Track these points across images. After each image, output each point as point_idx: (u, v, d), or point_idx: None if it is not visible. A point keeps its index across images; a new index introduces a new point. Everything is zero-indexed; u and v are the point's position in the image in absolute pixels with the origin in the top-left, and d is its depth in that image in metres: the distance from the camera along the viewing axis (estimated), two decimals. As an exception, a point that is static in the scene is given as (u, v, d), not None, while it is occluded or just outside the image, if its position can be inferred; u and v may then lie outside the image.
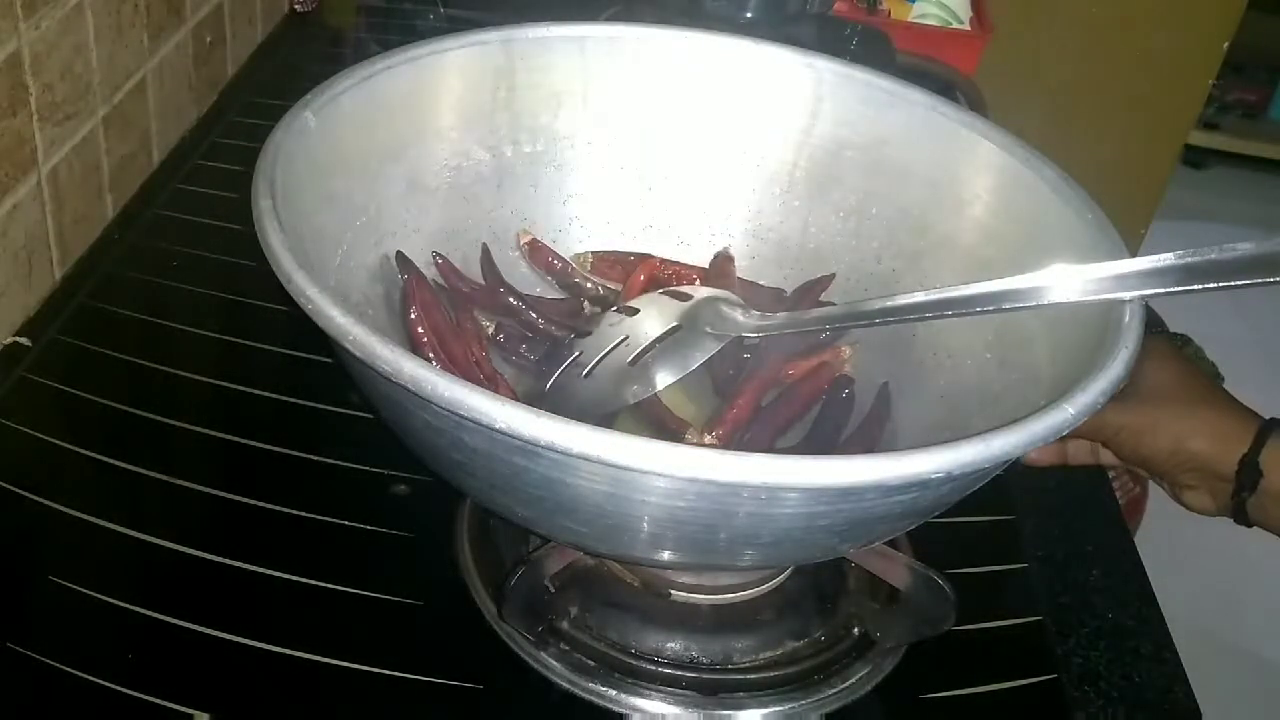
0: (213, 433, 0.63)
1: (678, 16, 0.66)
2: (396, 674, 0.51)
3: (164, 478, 0.59)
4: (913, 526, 0.48)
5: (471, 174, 0.61)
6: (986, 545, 0.62)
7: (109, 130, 0.75)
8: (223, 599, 0.54)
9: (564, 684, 0.51)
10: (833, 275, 0.62)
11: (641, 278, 0.61)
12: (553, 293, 0.64)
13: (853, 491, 0.39)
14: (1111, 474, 0.69)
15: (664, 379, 0.51)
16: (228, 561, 0.55)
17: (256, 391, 0.66)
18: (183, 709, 0.48)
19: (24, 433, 0.61)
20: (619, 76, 0.62)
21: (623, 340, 0.53)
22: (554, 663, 0.52)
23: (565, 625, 0.52)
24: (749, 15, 0.87)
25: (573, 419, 0.36)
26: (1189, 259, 0.41)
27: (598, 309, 0.62)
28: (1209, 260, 0.41)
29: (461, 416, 0.37)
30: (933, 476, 0.38)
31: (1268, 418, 0.56)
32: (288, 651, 0.52)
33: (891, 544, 0.55)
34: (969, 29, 1.11)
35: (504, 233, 0.62)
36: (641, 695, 0.51)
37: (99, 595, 0.53)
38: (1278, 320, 2.04)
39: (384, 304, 0.55)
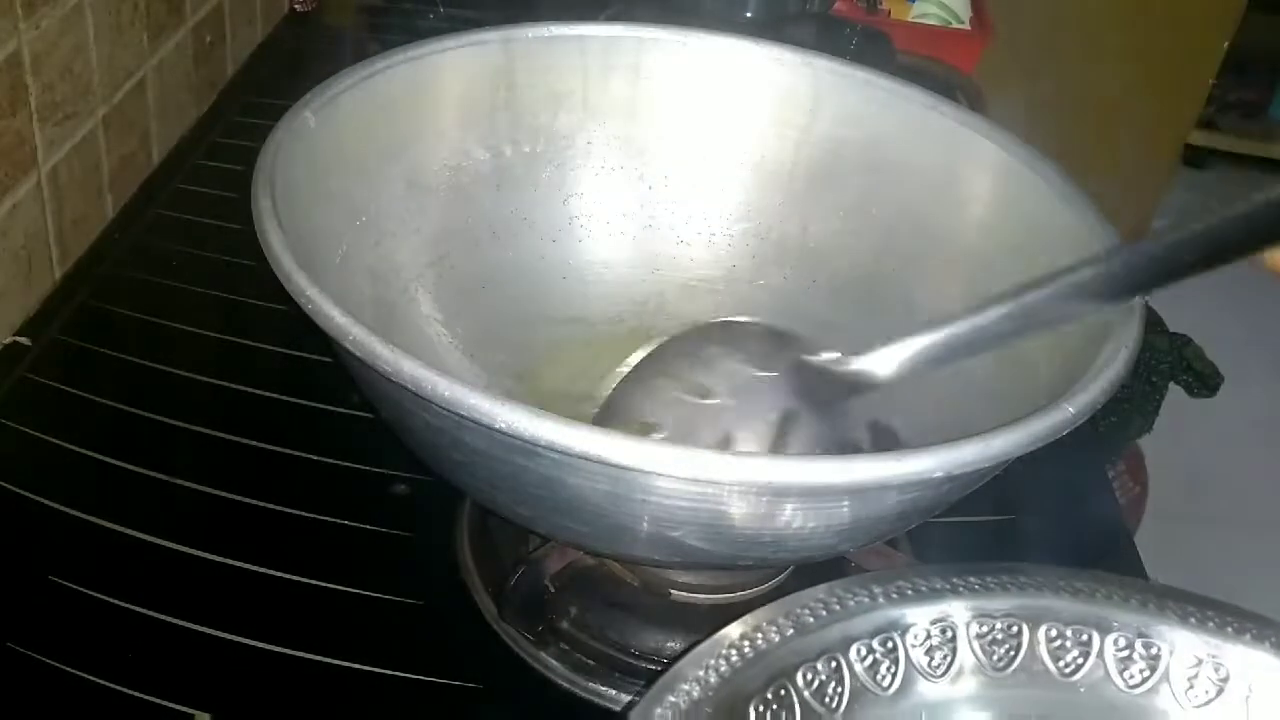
0: (213, 433, 0.63)
1: (677, 16, 0.66)
2: (396, 674, 0.51)
3: (164, 478, 0.59)
4: (913, 526, 0.48)
5: (471, 174, 0.61)
6: (986, 545, 0.62)
7: (109, 130, 0.75)
8: (223, 599, 0.54)
9: (564, 684, 0.51)
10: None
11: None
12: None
13: (853, 492, 0.39)
14: (1111, 474, 0.69)
15: None
16: (228, 561, 0.55)
17: (256, 391, 0.66)
18: (183, 709, 0.48)
19: (24, 433, 0.61)
20: (619, 76, 0.62)
21: None
22: (554, 663, 0.52)
23: (565, 625, 0.52)
24: (749, 15, 0.87)
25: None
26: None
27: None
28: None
29: (461, 416, 0.37)
30: (933, 476, 0.38)
31: None
32: (288, 651, 0.52)
33: (891, 544, 0.54)
34: (969, 29, 1.11)
35: (504, 232, 0.62)
36: (642, 695, 0.51)
37: (99, 595, 0.53)
38: (1278, 320, 2.04)
39: (384, 304, 0.55)
